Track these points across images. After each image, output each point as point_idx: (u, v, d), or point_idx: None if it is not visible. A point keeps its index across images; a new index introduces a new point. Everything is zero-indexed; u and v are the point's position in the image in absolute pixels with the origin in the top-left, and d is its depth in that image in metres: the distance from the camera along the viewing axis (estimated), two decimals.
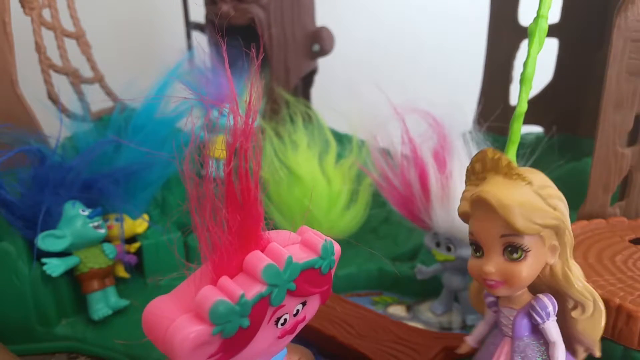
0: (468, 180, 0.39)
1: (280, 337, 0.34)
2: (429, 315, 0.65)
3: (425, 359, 0.53)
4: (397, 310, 0.66)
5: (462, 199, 0.39)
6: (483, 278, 0.37)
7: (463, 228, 0.57)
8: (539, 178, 0.37)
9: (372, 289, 0.71)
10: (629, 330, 0.46)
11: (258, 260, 0.31)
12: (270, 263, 0.31)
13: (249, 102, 0.32)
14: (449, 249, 0.60)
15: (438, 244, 0.61)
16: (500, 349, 0.40)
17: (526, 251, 0.36)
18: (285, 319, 0.34)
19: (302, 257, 0.33)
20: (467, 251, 0.59)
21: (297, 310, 0.35)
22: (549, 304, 0.37)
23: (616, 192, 0.61)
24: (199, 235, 0.32)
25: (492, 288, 0.37)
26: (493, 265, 0.36)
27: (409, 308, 0.67)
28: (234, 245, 0.32)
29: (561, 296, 0.38)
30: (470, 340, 0.43)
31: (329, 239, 0.35)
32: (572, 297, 0.38)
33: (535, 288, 0.39)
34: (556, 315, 0.38)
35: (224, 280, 0.31)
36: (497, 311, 0.40)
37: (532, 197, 0.36)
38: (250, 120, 0.32)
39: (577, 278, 0.37)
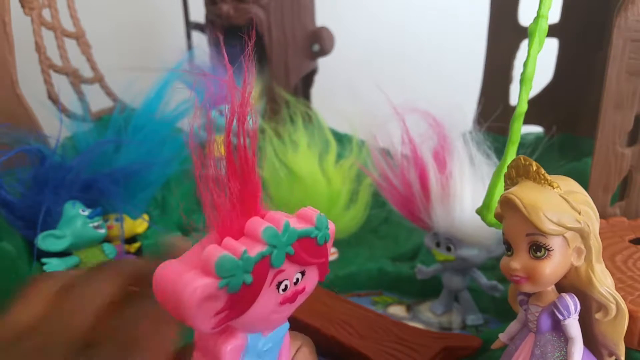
0: (505, 185, 0.42)
1: (281, 304, 0.36)
2: (429, 315, 0.65)
3: (425, 359, 0.53)
4: (397, 310, 0.66)
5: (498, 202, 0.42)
6: (510, 274, 0.40)
7: (463, 228, 0.58)
8: (568, 184, 0.40)
9: (372, 289, 0.71)
10: (629, 330, 0.45)
11: (258, 223, 0.34)
12: (270, 225, 0.34)
13: (245, 77, 0.34)
14: (449, 249, 0.60)
15: (438, 244, 0.61)
16: (524, 343, 0.42)
17: (549, 250, 0.38)
18: (286, 285, 0.36)
19: (298, 226, 0.35)
20: (467, 251, 0.59)
21: (297, 279, 0.36)
22: (571, 302, 0.39)
23: (616, 192, 0.61)
24: (204, 202, 0.34)
25: (517, 283, 0.40)
26: (519, 262, 0.39)
27: (409, 308, 0.67)
28: (236, 210, 0.34)
29: (586, 298, 0.40)
30: (502, 337, 0.45)
31: (323, 214, 0.37)
32: (595, 299, 0.39)
33: (563, 288, 0.41)
34: (580, 317, 0.40)
35: (228, 240, 0.33)
36: (527, 309, 0.42)
37: (557, 200, 0.38)
38: (247, 93, 0.34)
39: (600, 281, 0.39)
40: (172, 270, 0.33)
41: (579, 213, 0.38)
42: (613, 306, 0.39)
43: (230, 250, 0.32)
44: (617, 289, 0.47)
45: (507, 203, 0.39)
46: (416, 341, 0.55)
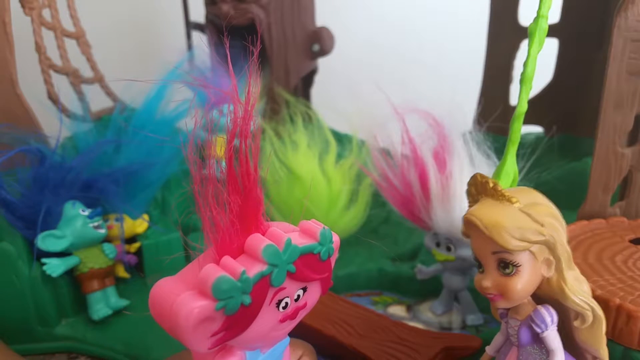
0: (468, 203, 0.42)
1: (281, 321, 0.35)
2: (429, 315, 0.65)
3: (425, 359, 0.53)
4: (397, 310, 0.66)
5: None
6: (482, 292, 0.40)
7: None
8: (529, 197, 0.39)
9: (372, 289, 0.71)
10: (629, 330, 0.46)
11: (258, 241, 0.33)
12: (270, 243, 0.32)
13: (249, 89, 0.34)
14: (449, 249, 0.60)
15: (438, 244, 0.61)
16: (508, 357, 0.42)
17: (517, 266, 0.38)
18: (287, 303, 0.35)
19: (301, 242, 0.34)
20: (467, 251, 0.59)
21: (298, 296, 0.35)
22: (547, 314, 0.39)
23: (616, 192, 0.61)
24: (202, 217, 0.33)
25: (492, 301, 0.40)
26: (490, 280, 0.39)
27: (409, 308, 0.67)
28: (236, 227, 0.33)
29: (564, 307, 0.40)
30: (489, 350, 0.45)
31: (327, 227, 0.36)
32: (571, 307, 0.39)
33: (540, 298, 0.40)
34: (562, 324, 0.40)
35: (226, 259, 0.32)
36: (507, 321, 0.42)
37: (518, 216, 0.38)
38: (250, 106, 0.34)
39: (572, 290, 0.39)
40: (169, 289, 0.32)
41: (542, 225, 0.38)
42: (589, 313, 0.39)
43: (228, 270, 0.31)
44: (617, 289, 0.48)
45: (468, 223, 0.39)
46: (416, 341, 0.55)
